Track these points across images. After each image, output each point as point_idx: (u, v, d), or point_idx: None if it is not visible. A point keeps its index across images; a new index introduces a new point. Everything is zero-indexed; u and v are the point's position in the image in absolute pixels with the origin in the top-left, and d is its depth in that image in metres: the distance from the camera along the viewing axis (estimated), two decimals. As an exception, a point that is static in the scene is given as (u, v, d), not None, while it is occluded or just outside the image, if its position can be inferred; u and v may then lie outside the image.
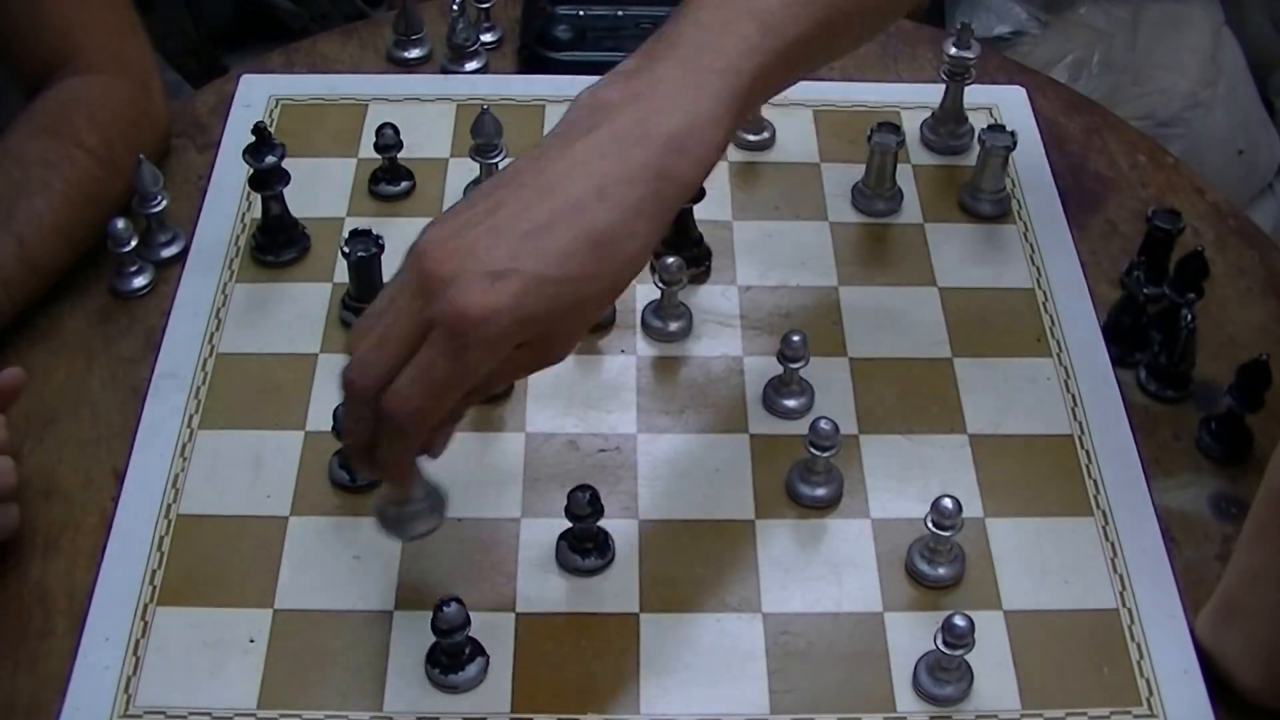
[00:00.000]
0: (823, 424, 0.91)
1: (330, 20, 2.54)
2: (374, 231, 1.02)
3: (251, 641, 0.86)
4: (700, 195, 1.05)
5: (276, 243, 1.09)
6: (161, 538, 0.91)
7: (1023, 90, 1.24)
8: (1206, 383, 1.02)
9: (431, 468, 0.86)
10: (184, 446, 0.96)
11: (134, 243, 1.05)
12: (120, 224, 1.04)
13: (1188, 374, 1.01)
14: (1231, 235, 1.13)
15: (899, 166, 1.13)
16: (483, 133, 1.08)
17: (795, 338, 0.96)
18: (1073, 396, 1.01)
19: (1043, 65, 1.57)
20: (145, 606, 0.88)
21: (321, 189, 1.14)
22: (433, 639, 0.83)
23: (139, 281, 1.07)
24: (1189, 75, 1.82)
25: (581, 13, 1.26)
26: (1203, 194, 1.17)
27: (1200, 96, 1.80)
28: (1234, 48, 1.89)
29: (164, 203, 1.07)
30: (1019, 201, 1.14)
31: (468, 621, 0.82)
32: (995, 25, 1.86)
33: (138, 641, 0.86)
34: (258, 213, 1.10)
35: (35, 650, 0.87)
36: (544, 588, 0.89)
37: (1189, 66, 1.82)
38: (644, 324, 1.04)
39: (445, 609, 0.82)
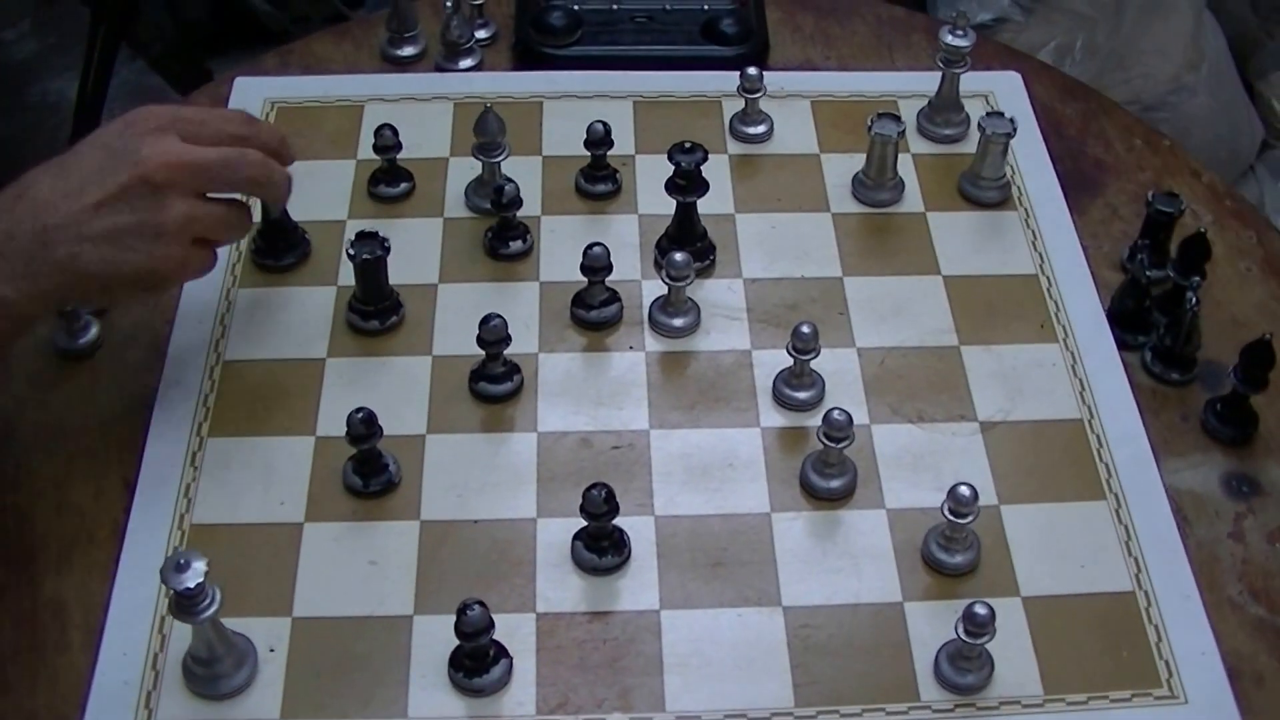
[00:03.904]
0: (836, 415, 0.91)
1: (310, 22, 2.53)
2: (380, 233, 1.01)
3: (271, 651, 0.86)
4: (704, 189, 1.05)
5: (277, 247, 1.08)
6: (175, 548, 0.91)
7: (1018, 76, 1.24)
8: (1211, 364, 1.02)
9: (442, 467, 0.86)
10: (194, 455, 0.96)
11: None
12: None
13: (1193, 356, 1.02)
14: (1229, 216, 1.14)
15: (898, 156, 1.13)
16: (486, 131, 1.08)
17: (805, 329, 0.96)
18: (1080, 381, 1.01)
19: (1027, 51, 1.57)
20: (163, 619, 0.87)
21: (321, 191, 1.13)
22: (455, 642, 0.83)
23: (141, 291, 1.06)
24: (1173, 59, 1.82)
25: (576, 6, 1.26)
26: (1199, 176, 1.17)
27: (1184, 80, 1.81)
28: (1216, 31, 1.90)
29: None
30: (1019, 188, 1.15)
31: (492, 624, 0.82)
32: (979, 12, 1.87)
33: (156, 655, 0.86)
34: (257, 216, 1.09)
35: (53, 665, 0.86)
36: (563, 587, 0.89)
37: (1172, 50, 1.82)
38: (651, 320, 1.04)
39: (469, 612, 0.82)
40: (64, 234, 0.85)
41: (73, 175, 0.87)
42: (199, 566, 0.79)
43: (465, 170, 1.14)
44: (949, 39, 1.14)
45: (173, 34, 2.32)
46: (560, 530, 0.92)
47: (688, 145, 1.05)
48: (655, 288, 1.05)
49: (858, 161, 1.14)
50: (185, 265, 0.89)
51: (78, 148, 0.89)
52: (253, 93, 1.23)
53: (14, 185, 0.88)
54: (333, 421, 0.97)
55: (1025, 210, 1.13)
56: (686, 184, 1.05)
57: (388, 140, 1.12)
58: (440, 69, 1.25)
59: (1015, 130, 1.10)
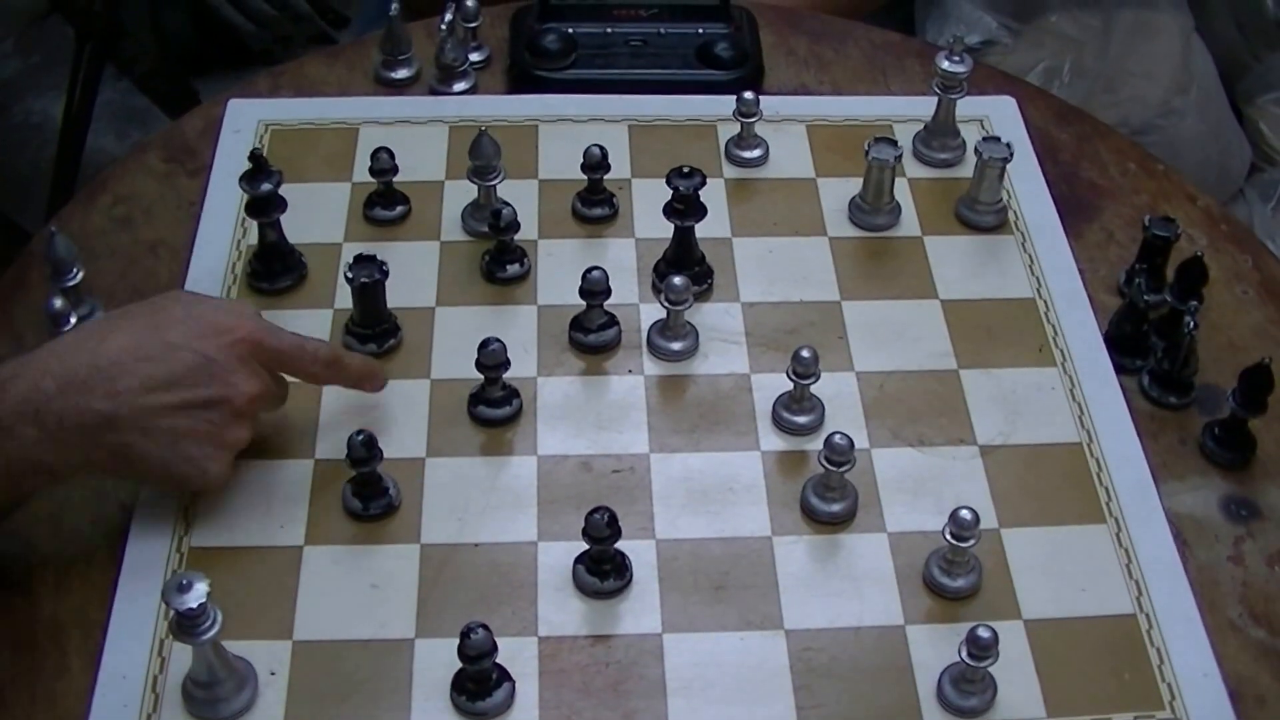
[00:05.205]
0: (838, 439, 0.91)
1: (292, 41, 2.54)
2: (377, 257, 1.01)
3: (272, 674, 0.86)
4: (702, 214, 1.05)
5: (273, 270, 1.08)
6: (174, 571, 0.90)
7: (1013, 101, 1.25)
8: (1209, 387, 1.03)
9: (441, 490, 0.86)
10: (192, 478, 0.96)
11: (74, 320, 1.01)
12: (58, 304, 1.00)
13: (1190, 380, 1.02)
14: (1225, 240, 1.15)
15: (895, 180, 1.13)
16: (482, 154, 1.08)
17: (805, 354, 0.96)
18: (1079, 405, 1.01)
19: (1014, 74, 1.58)
20: (162, 642, 0.87)
21: (316, 214, 1.13)
22: (457, 666, 0.83)
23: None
24: (1161, 82, 1.83)
25: (570, 30, 1.26)
26: (1194, 200, 1.18)
27: (1173, 103, 1.82)
28: (1204, 54, 1.91)
29: (80, 275, 1.03)
30: (1015, 212, 1.15)
31: (495, 647, 0.82)
32: (965, 35, 1.86)
33: (155, 678, 0.85)
34: (253, 239, 1.09)
35: (51, 688, 0.86)
36: (565, 611, 0.89)
37: (1161, 74, 1.83)
38: (650, 344, 1.04)
39: (472, 635, 0.81)
40: (130, 423, 0.86)
41: (160, 366, 0.87)
42: (201, 588, 0.79)
43: (461, 193, 1.14)
44: (945, 65, 1.14)
45: (157, 53, 2.31)
46: (562, 554, 0.91)
47: (686, 170, 1.05)
48: (653, 311, 1.05)
49: (854, 186, 1.15)
50: (222, 481, 0.91)
51: (171, 330, 0.88)
52: (247, 115, 1.22)
53: (99, 344, 0.87)
54: (331, 445, 0.97)
55: (1022, 234, 1.14)
56: (685, 208, 1.05)
57: (384, 163, 1.11)
58: (434, 92, 1.25)
59: (1011, 155, 1.11)
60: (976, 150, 1.12)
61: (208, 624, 0.80)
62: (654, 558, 0.92)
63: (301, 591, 0.90)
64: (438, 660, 0.86)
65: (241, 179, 1.05)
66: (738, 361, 1.04)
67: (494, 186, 1.10)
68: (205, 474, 0.89)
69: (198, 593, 0.79)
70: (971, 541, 0.88)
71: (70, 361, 0.86)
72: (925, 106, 1.20)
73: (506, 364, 0.97)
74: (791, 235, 1.13)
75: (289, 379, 0.96)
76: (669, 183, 1.04)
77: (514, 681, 0.85)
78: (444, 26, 1.23)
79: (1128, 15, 1.84)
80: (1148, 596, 0.91)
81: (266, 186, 1.04)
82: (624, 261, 1.10)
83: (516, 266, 1.09)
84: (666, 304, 1.02)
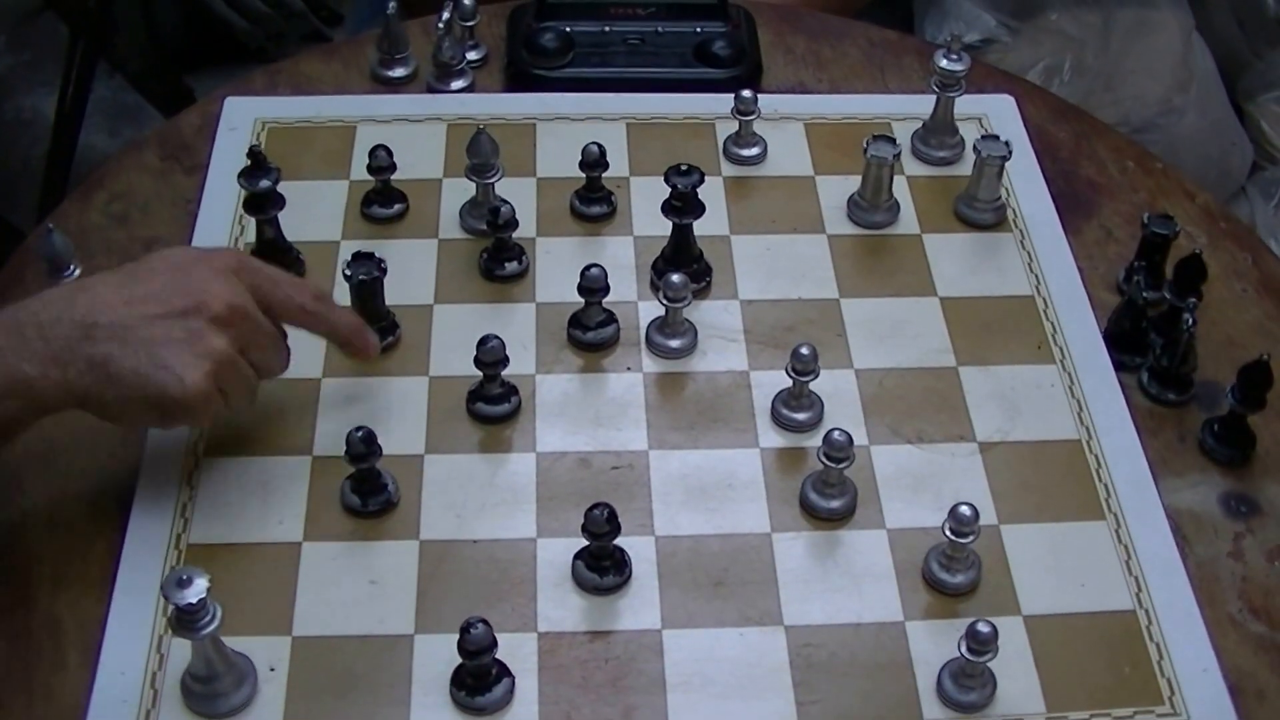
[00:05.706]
0: (837, 436, 0.91)
1: (286, 39, 2.53)
2: (375, 254, 1.01)
3: (272, 669, 0.86)
4: (701, 211, 1.05)
5: (270, 267, 1.08)
6: (173, 567, 0.90)
7: (1011, 99, 1.25)
8: (1208, 384, 1.03)
9: (440, 487, 0.85)
10: (190, 474, 0.95)
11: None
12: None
13: (1189, 376, 1.02)
14: (1224, 237, 1.15)
15: (893, 178, 1.13)
16: (480, 153, 1.08)
17: (805, 351, 0.96)
18: (1078, 402, 1.01)
19: (1014, 73, 1.58)
20: (160, 638, 0.87)
21: (314, 212, 1.13)
22: (456, 661, 0.83)
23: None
24: (1162, 80, 1.83)
25: (568, 28, 1.26)
26: (1193, 198, 1.18)
27: (1173, 101, 1.82)
28: (1204, 52, 1.91)
29: (77, 272, 1.04)
30: (1014, 210, 1.15)
31: (495, 643, 0.82)
32: (965, 33, 1.86)
33: (154, 674, 0.85)
34: (251, 237, 1.09)
35: (49, 683, 0.86)
36: (565, 607, 0.89)
37: (1161, 71, 1.83)
38: (648, 341, 1.04)
39: (472, 630, 0.81)
40: (108, 332, 0.86)
41: (139, 285, 0.88)
42: (201, 583, 0.79)
43: (459, 191, 1.14)
44: (944, 63, 1.15)
45: (150, 50, 2.31)
46: (561, 550, 0.91)
47: (684, 168, 1.05)
48: (651, 309, 1.05)
49: (852, 183, 1.15)
50: (206, 403, 0.88)
51: (151, 261, 0.91)
52: (244, 113, 1.22)
53: (82, 280, 0.92)
54: (329, 441, 0.97)
55: (1020, 232, 1.14)
56: (683, 206, 1.05)
57: (382, 161, 1.11)
58: (432, 90, 1.25)
59: (1010, 153, 1.11)
60: (975, 148, 1.12)
61: (207, 619, 0.80)
62: (653, 554, 0.92)
63: (300, 587, 0.90)
64: (437, 656, 0.86)
65: (240, 175, 1.05)
66: (736, 359, 1.04)
67: (492, 184, 1.10)
68: (183, 382, 0.86)
69: (197, 588, 0.79)
70: (971, 537, 0.88)
71: (53, 292, 0.89)
72: (924, 104, 1.20)
73: (505, 361, 0.97)
74: (790, 233, 1.13)
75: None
76: (667, 180, 1.04)
77: (514, 677, 0.85)
78: (441, 25, 1.23)
79: (1128, 13, 1.84)
80: (1147, 592, 0.91)
81: (265, 183, 1.04)
82: (622, 259, 1.10)
83: (515, 264, 1.09)
84: (665, 301, 1.02)
